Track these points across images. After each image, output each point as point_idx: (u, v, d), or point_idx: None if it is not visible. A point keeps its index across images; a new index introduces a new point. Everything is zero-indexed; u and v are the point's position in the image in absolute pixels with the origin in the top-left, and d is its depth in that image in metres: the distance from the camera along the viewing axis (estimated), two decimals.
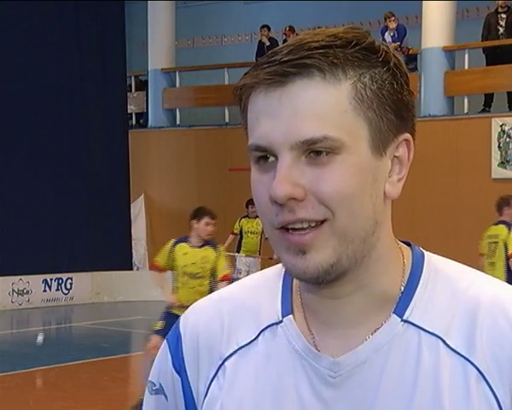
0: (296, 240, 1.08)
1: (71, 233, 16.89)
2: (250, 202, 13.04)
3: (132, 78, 19.45)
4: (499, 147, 14.31)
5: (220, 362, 1.20)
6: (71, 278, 17.09)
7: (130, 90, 19.24)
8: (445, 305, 1.14)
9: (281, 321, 1.19)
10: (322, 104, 1.06)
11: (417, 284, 1.16)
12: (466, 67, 15.42)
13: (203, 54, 20.02)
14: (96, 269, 17.24)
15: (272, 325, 1.19)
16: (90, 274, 17.34)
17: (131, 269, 17.89)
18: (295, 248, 1.09)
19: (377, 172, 1.10)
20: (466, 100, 15.14)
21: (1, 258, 15.96)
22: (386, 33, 15.64)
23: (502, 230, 9.55)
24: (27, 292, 16.47)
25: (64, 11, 17.02)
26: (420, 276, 1.16)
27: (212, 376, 1.21)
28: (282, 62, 1.07)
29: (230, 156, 16.37)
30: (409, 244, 1.21)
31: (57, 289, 16.98)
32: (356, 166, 1.07)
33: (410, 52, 15.60)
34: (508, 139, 14.25)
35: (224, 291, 1.28)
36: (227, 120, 17.52)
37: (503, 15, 15.10)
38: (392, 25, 15.63)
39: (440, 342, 1.12)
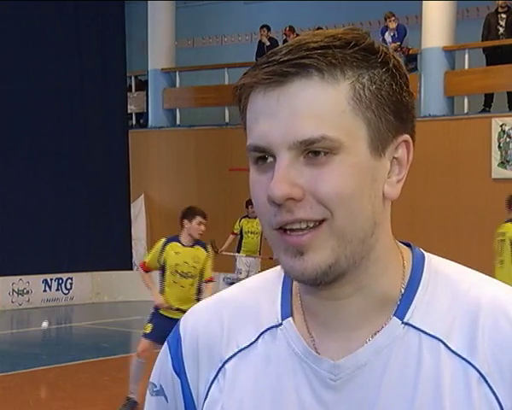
0: (294, 241, 1.07)
1: (71, 233, 16.88)
2: (250, 202, 13.01)
3: (132, 78, 19.45)
4: (499, 147, 14.29)
5: (220, 364, 1.20)
6: (71, 278, 17.09)
7: (131, 90, 19.23)
8: (446, 307, 1.13)
9: (280, 324, 1.18)
10: (321, 104, 1.06)
11: (418, 285, 1.15)
12: (466, 67, 15.40)
13: (203, 54, 20.01)
14: (96, 269, 17.24)
15: (272, 327, 1.19)
16: (90, 274, 17.33)
17: (131, 269, 17.86)
18: (293, 250, 1.08)
19: (376, 172, 1.09)
20: (466, 100, 15.13)
21: (1, 258, 15.96)
22: (387, 33, 15.63)
23: (509, 227, 9.51)
24: (27, 292, 16.47)
25: (64, 11, 17.01)
26: (420, 277, 1.16)
27: (212, 378, 1.20)
28: (281, 62, 1.07)
29: (230, 156, 16.36)
30: (409, 245, 1.20)
31: (57, 289, 16.98)
32: (354, 167, 1.07)
33: (410, 52, 15.58)
34: (508, 139, 14.24)
35: (225, 293, 1.28)
36: (227, 120, 17.50)
37: (503, 15, 15.08)
38: (393, 25, 15.62)
39: (441, 344, 1.11)
